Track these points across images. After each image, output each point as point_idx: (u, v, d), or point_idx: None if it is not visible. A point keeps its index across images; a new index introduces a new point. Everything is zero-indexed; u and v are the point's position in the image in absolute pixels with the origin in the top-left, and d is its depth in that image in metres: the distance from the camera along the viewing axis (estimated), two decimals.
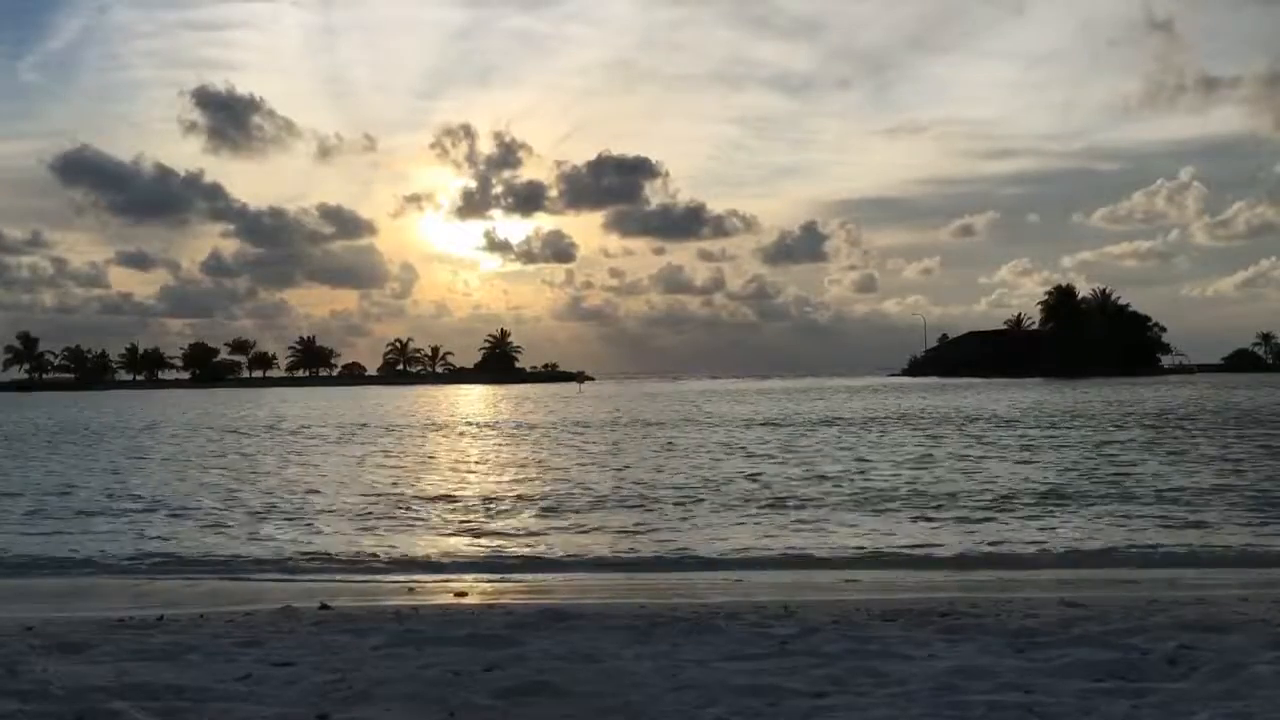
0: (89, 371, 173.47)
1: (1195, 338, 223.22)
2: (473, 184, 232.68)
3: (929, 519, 14.27)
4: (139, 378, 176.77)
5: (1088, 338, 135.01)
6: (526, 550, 12.45)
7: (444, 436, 35.88)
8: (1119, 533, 12.96)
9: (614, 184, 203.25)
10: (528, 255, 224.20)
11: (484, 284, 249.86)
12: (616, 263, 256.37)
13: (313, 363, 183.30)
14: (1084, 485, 17.76)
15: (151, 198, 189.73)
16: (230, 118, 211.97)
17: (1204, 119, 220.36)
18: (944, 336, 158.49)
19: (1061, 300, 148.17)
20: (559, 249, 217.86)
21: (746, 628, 7.14)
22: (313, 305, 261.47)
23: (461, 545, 12.96)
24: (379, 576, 11.00)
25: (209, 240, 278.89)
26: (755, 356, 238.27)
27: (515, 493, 18.19)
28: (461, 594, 9.57)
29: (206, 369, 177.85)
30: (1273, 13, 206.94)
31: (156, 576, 11.14)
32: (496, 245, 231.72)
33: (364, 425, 43.05)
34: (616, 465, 23.12)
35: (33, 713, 5.14)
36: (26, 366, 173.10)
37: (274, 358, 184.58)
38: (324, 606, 8.42)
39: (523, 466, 23.63)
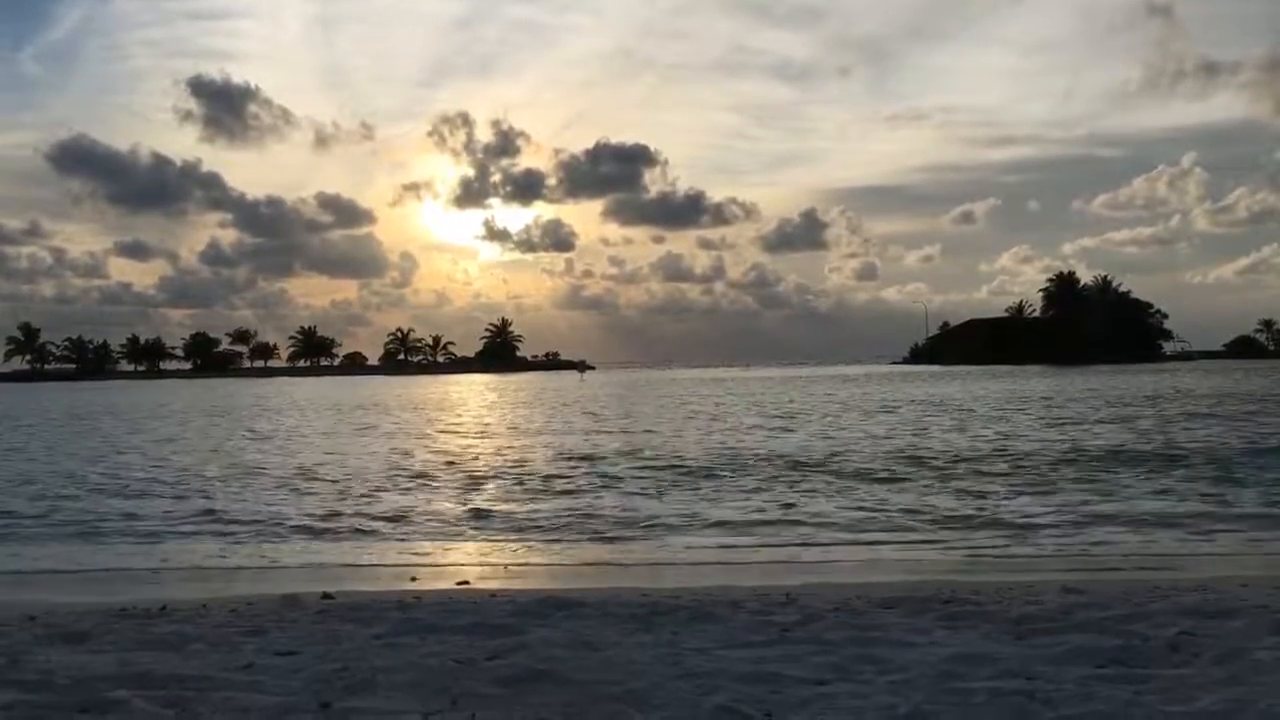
0: (90, 362, 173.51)
1: (1197, 324, 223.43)
2: (471, 172, 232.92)
3: None
4: (140, 368, 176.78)
5: (1089, 325, 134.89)
6: (529, 539, 12.46)
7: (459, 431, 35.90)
8: None
9: (613, 172, 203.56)
10: (527, 244, 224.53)
11: (484, 273, 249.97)
12: (616, 251, 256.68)
13: (314, 353, 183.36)
14: None
15: (149, 187, 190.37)
16: (227, 107, 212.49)
17: (1205, 105, 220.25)
18: (945, 324, 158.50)
19: (1062, 287, 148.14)
20: (558, 237, 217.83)
21: (748, 615, 7.15)
22: (313, 295, 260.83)
23: (465, 533, 12.97)
24: (382, 565, 11.01)
25: (207, 230, 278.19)
26: (756, 345, 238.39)
27: (518, 482, 18.19)
28: (464, 582, 9.59)
29: (208, 359, 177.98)
30: None
31: (159, 567, 11.17)
32: (496, 234, 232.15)
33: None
34: (618, 453, 23.14)
35: (36, 702, 5.15)
36: (28, 357, 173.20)
37: (275, 348, 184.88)
38: (326, 596, 8.43)
39: (526, 456, 23.61)
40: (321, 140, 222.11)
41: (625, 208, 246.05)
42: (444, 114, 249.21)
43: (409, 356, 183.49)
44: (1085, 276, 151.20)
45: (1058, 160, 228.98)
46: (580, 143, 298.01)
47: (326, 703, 5.11)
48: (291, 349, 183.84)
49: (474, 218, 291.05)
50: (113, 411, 50.96)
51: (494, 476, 19.05)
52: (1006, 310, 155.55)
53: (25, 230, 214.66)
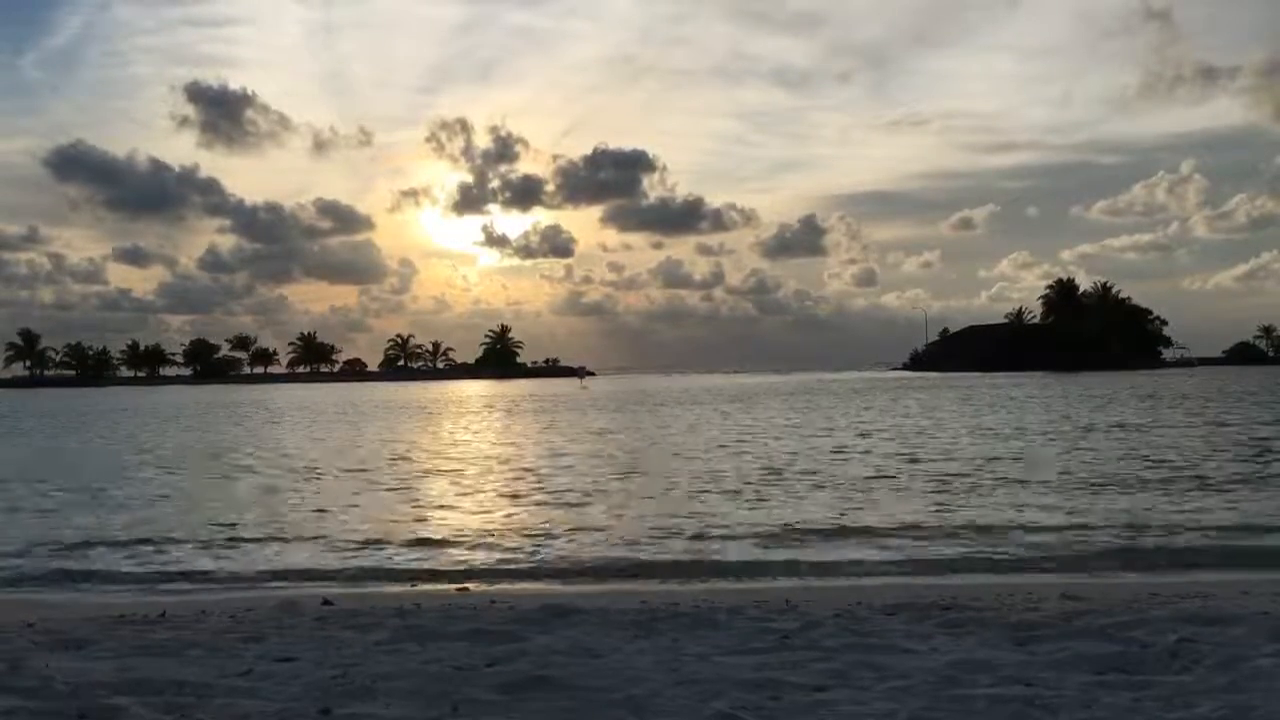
0: (90, 368, 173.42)
1: (1196, 331, 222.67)
2: (469, 179, 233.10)
3: None
4: (140, 374, 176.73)
5: (1088, 331, 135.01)
6: (529, 544, 12.44)
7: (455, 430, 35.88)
8: None
9: (611, 178, 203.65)
10: (526, 250, 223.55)
11: (483, 279, 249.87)
12: (615, 257, 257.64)
13: (313, 359, 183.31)
14: None
15: (148, 193, 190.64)
16: (225, 113, 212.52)
17: (1203, 110, 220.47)
18: (945, 330, 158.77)
19: (1062, 293, 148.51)
20: (557, 244, 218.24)
21: (748, 621, 7.14)
22: (312, 301, 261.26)
23: (464, 540, 12.94)
24: (381, 571, 10.98)
25: (206, 236, 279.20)
26: (755, 351, 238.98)
27: (519, 488, 18.18)
28: (464, 589, 9.58)
29: (208, 365, 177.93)
30: (1270, 2, 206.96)
31: (159, 575, 11.14)
32: (494, 240, 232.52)
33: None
34: (620, 458, 23.11)
35: (35, 709, 5.14)
36: (28, 363, 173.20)
37: (274, 354, 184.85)
38: (326, 602, 8.43)
39: (523, 462, 23.60)
40: (320, 146, 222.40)
41: (624, 214, 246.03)
42: (443, 120, 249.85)
43: (409, 363, 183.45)
44: (1085, 283, 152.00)
45: (1057, 166, 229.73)
46: (579, 149, 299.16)
47: (326, 709, 5.10)
48: (291, 355, 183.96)
49: (473, 224, 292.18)
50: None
51: None
52: (1006, 316, 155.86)
53: (24, 236, 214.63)
